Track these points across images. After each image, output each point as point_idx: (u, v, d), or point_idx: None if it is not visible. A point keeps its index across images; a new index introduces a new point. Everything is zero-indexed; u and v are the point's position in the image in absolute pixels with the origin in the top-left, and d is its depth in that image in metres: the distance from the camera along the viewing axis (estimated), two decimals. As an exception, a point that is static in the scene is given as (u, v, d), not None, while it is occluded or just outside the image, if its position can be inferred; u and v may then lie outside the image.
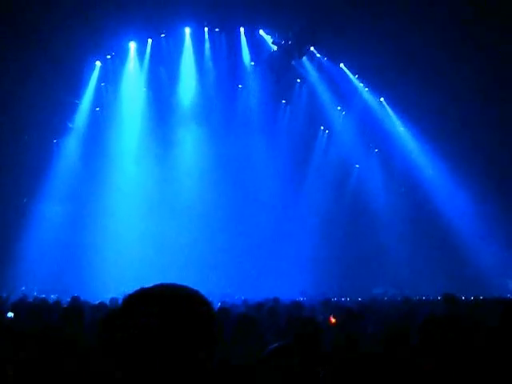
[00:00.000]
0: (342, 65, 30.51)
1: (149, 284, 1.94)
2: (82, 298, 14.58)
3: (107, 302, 13.07)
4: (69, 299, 14.40)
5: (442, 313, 9.64)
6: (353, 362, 4.43)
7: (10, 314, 9.73)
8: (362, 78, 30.59)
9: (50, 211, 27.29)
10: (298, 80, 31.46)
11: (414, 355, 3.94)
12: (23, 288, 22.66)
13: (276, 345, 4.76)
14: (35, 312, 9.15)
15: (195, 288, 1.97)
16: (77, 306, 11.40)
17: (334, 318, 9.09)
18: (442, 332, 3.38)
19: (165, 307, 1.81)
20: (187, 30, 29.50)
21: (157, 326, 1.77)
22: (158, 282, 1.97)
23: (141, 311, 1.80)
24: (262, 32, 29.60)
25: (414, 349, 3.99)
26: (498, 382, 3.48)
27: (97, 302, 12.92)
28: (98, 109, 29.81)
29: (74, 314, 8.00)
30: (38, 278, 24.57)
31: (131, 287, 1.98)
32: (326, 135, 32.55)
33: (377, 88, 30.34)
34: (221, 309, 8.89)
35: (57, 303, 12.23)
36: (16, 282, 23.99)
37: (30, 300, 15.14)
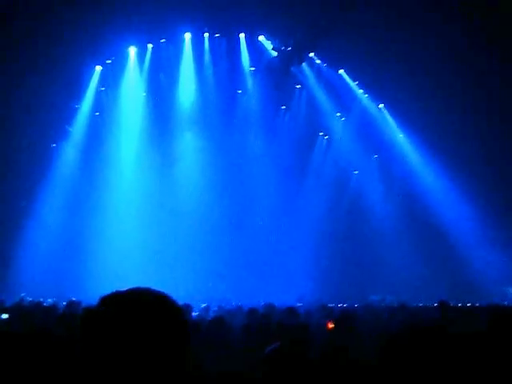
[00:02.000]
0: (341, 71, 30.55)
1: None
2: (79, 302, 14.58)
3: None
4: (65, 303, 14.37)
5: (437, 320, 9.65)
6: (338, 370, 4.44)
7: (5, 316, 9.75)
8: (361, 85, 30.63)
9: (48, 215, 27.30)
10: (298, 86, 31.47)
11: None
12: (23, 294, 22.59)
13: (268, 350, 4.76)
14: (29, 315, 9.16)
15: (192, 292, 2.01)
16: (73, 310, 11.42)
17: (332, 323, 9.08)
18: (427, 340, 3.37)
19: (135, 311, 1.83)
20: (187, 36, 29.55)
21: (126, 328, 1.78)
22: (155, 286, 2.00)
23: (112, 313, 1.83)
24: (262, 38, 29.66)
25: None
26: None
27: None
28: (97, 113, 29.81)
29: (70, 318, 8.01)
30: (36, 282, 24.52)
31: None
32: (325, 141, 32.52)
33: (376, 94, 30.36)
34: (215, 318, 8.86)
35: (52, 307, 12.22)
36: (13, 285, 23.98)
37: (26, 304, 15.15)
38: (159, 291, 1.97)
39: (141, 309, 1.85)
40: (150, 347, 1.78)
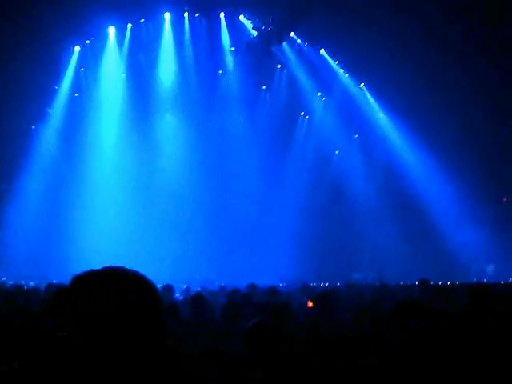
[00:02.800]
0: (322, 50, 30.47)
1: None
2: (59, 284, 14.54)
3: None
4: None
5: (416, 298, 9.74)
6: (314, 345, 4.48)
7: None
8: (342, 64, 30.58)
9: (29, 198, 27.16)
10: (279, 66, 31.37)
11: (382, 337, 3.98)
12: (4, 278, 22.52)
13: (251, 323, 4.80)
14: (10, 298, 9.14)
15: (175, 273, 2.02)
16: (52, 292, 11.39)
17: (311, 301, 9.14)
18: (409, 317, 3.41)
19: (110, 288, 1.83)
20: (167, 16, 29.31)
21: (101, 306, 1.79)
22: (136, 267, 2.00)
23: (86, 291, 1.83)
24: (242, 17, 29.47)
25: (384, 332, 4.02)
26: (460, 369, 3.53)
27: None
28: (76, 94, 29.57)
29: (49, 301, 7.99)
30: (17, 266, 24.45)
31: None
32: (306, 121, 32.50)
33: (357, 74, 30.33)
34: (195, 295, 8.89)
35: (33, 290, 12.20)
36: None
37: (7, 287, 15.10)
38: (134, 270, 1.97)
39: (114, 287, 1.85)
40: (123, 326, 1.78)
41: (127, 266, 2.01)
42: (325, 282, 22.07)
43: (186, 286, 16.54)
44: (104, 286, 1.84)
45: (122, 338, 1.77)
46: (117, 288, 1.83)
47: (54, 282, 14.81)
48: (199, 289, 16.10)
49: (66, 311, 1.83)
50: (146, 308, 1.85)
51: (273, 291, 10.80)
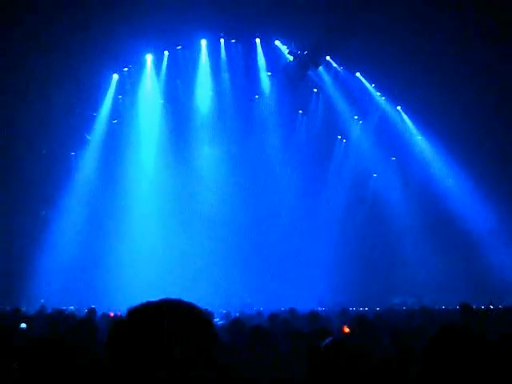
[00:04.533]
0: (358, 74, 30.46)
1: (165, 295, 1.97)
2: (99, 307, 14.68)
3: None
4: (86, 310, 14.46)
5: (458, 322, 9.57)
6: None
7: (23, 325, 9.83)
8: (378, 87, 30.53)
9: (68, 224, 27.44)
10: (315, 90, 31.42)
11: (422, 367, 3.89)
12: (42, 300, 22.75)
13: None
14: (51, 322, 9.21)
15: (214, 298, 2.03)
16: (91, 317, 11.46)
17: (348, 327, 9.02)
18: (452, 344, 3.35)
19: (167, 321, 1.83)
20: (203, 42, 29.62)
21: (159, 339, 1.79)
22: (176, 292, 2.01)
23: (143, 325, 1.83)
24: (277, 42, 29.64)
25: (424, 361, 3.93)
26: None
27: (113, 314, 13.01)
28: (115, 121, 29.98)
29: (87, 325, 8.03)
30: (57, 290, 24.68)
31: (149, 298, 2.02)
32: (343, 145, 32.46)
33: (394, 97, 30.22)
34: (235, 320, 8.85)
35: (72, 314, 12.29)
36: (35, 294, 24.17)
37: (48, 311, 15.24)
38: (189, 302, 1.97)
39: (171, 319, 1.85)
40: (182, 358, 1.78)
41: (165, 292, 2.02)
42: (364, 307, 21.84)
43: (225, 311, 16.53)
44: (161, 318, 1.84)
45: (180, 370, 1.77)
46: (174, 321, 1.84)
47: (93, 306, 14.96)
48: (237, 314, 16.07)
49: (123, 343, 1.83)
50: (202, 340, 1.85)
51: (313, 316, 10.70)
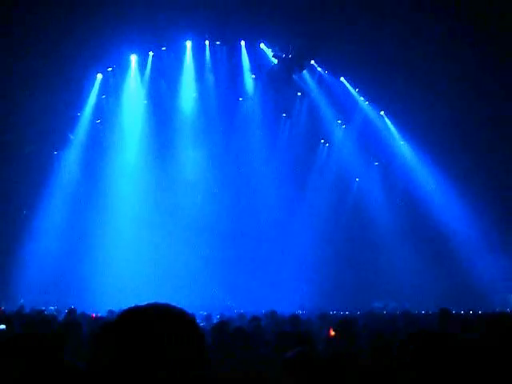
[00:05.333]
0: (342, 78, 30.58)
1: (146, 297, 1.98)
2: (80, 310, 14.59)
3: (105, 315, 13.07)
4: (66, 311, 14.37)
5: (436, 327, 9.63)
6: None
7: (2, 327, 9.72)
8: (362, 92, 30.66)
9: (49, 223, 27.30)
10: (299, 93, 31.50)
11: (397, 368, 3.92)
12: (22, 300, 22.61)
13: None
14: (30, 324, 9.13)
15: (195, 300, 2.03)
16: (73, 318, 11.39)
17: (334, 331, 9.05)
18: (425, 347, 3.38)
19: (156, 326, 1.83)
20: (188, 44, 29.63)
21: (147, 344, 1.79)
22: (156, 294, 2.00)
23: (132, 329, 1.83)
24: (262, 45, 29.70)
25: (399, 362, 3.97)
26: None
27: (94, 315, 12.95)
28: (98, 121, 29.86)
29: (70, 327, 7.99)
30: (37, 290, 24.52)
31: (130, 299, 2.02)
32: (326, 148, 32.57)
33: (377, 101, 30.37)
34: (219, 323, 8.84)
35: (53, 315, 12.20)
36: (15, 294, 24.02)
37: (27, 311, 15.13)
38: (178, 307, 1.98)
39: (160, 324, 1.85)
40: (170, 363, 1.79)
41: (146, 292, 2.02)
42: (344, 311, 21.90)
43: (206, 313, 16.48)
44: (150, 323, 1.84)
45: (170, 374, 1.77)
46: (163, 325, 1.84)
47: (72, 307, 14.88)
48: (218, 316, 16.05)
49: (111, 347, 1.83)
50: (191, 345, 1.86)
51: (294, 319, 10.71)
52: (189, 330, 1.89)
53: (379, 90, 28.39)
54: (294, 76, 29.96)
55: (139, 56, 29.65)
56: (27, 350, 3.32)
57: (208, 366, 1.88)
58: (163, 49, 29.10)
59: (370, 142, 31.14)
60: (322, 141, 32.52)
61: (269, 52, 29.32)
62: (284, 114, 31.92)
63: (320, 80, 30.89)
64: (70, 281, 25.97)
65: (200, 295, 25.32)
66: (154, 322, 1.84)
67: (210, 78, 30.36)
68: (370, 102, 30.89)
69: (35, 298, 23.21)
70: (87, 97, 29.29)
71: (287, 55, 28.36)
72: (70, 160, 29.23)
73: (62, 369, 3.28)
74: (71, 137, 29.21)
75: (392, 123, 31.01)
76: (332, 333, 9.00)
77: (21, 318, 11.13)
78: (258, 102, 30.92)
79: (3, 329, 9.43)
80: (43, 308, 18.54)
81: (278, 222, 29.83)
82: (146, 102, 30.54)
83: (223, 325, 8.31)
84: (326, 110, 31.22)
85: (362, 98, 31.00)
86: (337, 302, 25.21)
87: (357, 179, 32.20)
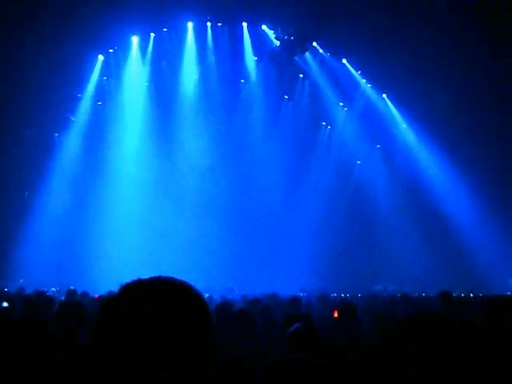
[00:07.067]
0: (344, 60, 30.45)
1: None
2: (82, 290, 14.62)
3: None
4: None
5: (437, 310, 9.65)
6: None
7: (5, 304, 9.78)
8: (364, 74, 30.54)
9: (51, 204, 27.32)
10: (301, 75, 31.39)
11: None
12: (21, 280, 22.66)
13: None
14: (31, 304, 9.14)
15: (196, 281, 1.98)
16: (74, 299, 11.41)
17: (337, 312, 9.09)
18: (427, 329, 3.37)
19: (161, 298, 1.81)
20: (190, 25, 29.49)
21: (152, 315, 1.76)
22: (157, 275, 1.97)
23: (136, 300, 1.80)
24: (264, 27, 29.58)
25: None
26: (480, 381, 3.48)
27: (97, 296, 12.99)
28: (99, 103, 29.77)
29: (71, 308, 7.98)
30: (39, 271, 24.56)
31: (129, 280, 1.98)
32: (328, 131, 32.49)
33: (379, 84, 30.25)
34: (220, 304, 8.86)
35: (54, 296, 12.22)
36: (14, 274, 24.07)
37: (29, 292, 15.14)
38: (183, 280, 1.95)
39: (164, 296, 1.82)
40: (174, 336, 1.76)
41: (147, 274, 1.99)
42: (345, 293, 21.94)
43: (208, 294, 16.50)
44: (154, 295, 1.81)
45: (173, 348, 1.75)
46: (167, 298, 1.81)
47: (72, 288, 14.91)
48: (219, 298, 16.07)
49: (114, 321, 1.80)
50: (196, 318, 1.83)
51: (295, 301, 10.74)
52: (195, 302, 1.87)
53: (381, 73, 28.27)
54: (295, 58, 29.82)
55: (140, 37, 29.52)
56: (28, 344, 3.30)
57: (214, 341, 1.85)
58: (164, 30, 28.96)
59: (372, 124, 31.04)
60: (324, 123, 32.42)
61: (271, 34, 29.20)
62: (286, 96, 31.79)
63: (322, 62, 30.78)
64: (72, 261, 25.99)
65: (201, 277, 25.35)
66: (156, 295, 1.82)
67: (211, 59, 30.24)
68: (372, 85, 30.79)
69: (35, 279, 23.25)
70: (88, 78, 29.19)
71: (289, 37, 28.20)
72: (71, 142, 29.19)
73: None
74: (72, 119, 29.15)
75: (394, 106, 30.92)
76: (336, 314, 9.04)
77: (22, 299, 11.14)
78: (259, 84, 30.82)
79: (6, 307, 9.49)
80: (45, 289, 18.60)
81: (279, 204, 29.81)
82: (147, 83, 30.43)
83: (225, 306, 8.33)
84: (327, 93, 31.12)
85: (364, 81, 30.89)
86: (338, 284, 25.24)
87: (358, 162, 32.15)
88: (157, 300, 1.79)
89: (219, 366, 1.87)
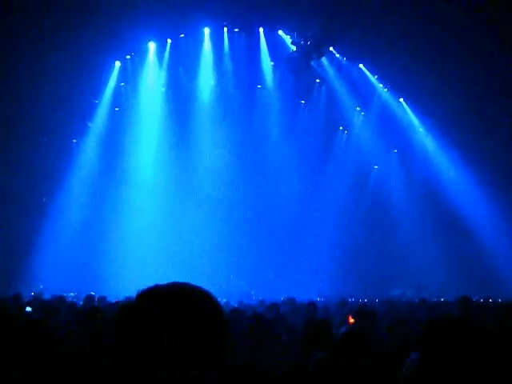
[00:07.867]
0: (361, 65, 30.42)
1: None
2: (100, 295, 14.68)
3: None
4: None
5: (456, 315, 9.57)
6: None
7: (29, 309, 9.97)
8: (381, 79, 30.47)
9: (69, 210, 27.45)
10: (318, 80, 31.37)
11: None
12: (41, 286, 22.80)
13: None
14: (50, 309, 9.22)
15: (213, 287, 1.99)
16: (92, 305, 11.47)
17: (353, 318, 9.07)
18: (446, 335, 3.35)
19: (177, 306, 1.81)
20: (206, 31, 29.56)
21: (168, 323, 1.77)
22: (175, 280, 1.98)
23: (153, 308, 1.81)
24: (281, 32, 29.62)
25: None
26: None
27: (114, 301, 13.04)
28: (117, 108, 29.91)
29: (89, 313, 8.04)
30: (57, 276, 24.68)
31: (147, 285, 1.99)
32: (345, 136, 32.44)
33: (396, 88, 30.17)
34: (234, 310, 8.87)
35: (73, 302, 12.29)
36: (33, 279, 24.21)
37: (47, 297, 15.24)
38: (199, 286, 1.95)
39: (181, 303, 1.83)
40: (192, 343, 1.77)
41: (166, 279, 2.00)
42: (363, 298, 21.87)
43: (225, 300, 16.53)
44: (171, 302, 1.82)
45: (190, 355, 1.75)
46: (183, 305, 1.82)
47: (92, 293, 14.97)
48: (236, 304, 16.07)
49: (132, 327, 1.81)
50: (213, 324, 1.84)
51: (312, 307, 10.72)
52: (210, 309, 1.87)
53: (398, 77, 28.18)
54: (312, 63, 29.80)
55: (157, 43, 29.66)
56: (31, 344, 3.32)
57: (228, 344, 1.86)
58: (181, 36, 29.06)
59: (389, 129, 30.96)
60: (341, 128, 32.38)
61: (287, 39, 29.22)
62: (303, 101, 31.79)
63: (339, 67, 30.76)
64: (91, 267, 26.10)
65: (218, 282, 25.37)
66: (173, 302, 1.83)
67: (228, 65, 30.30)
68: (388, 89, 30.71)
69: (55, 284, 23.35)
70: (106, 85, 29.37)
71: (306, 42, 28.19)
72: (89, 147, 29.35)
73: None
74: (90, 125, 29.32)
75: (411, 110, 30.82)
76: (351, 320, 9.02)
77: (41, 303, 11.23)
78: (276, 90, 30.85)
79: (30, 311, 9.67)
80: (64, 294, 18.69)
81: (297, 208, 29.79)
82: (164, 89, 30.55)
83: (238, 312, 8.33)
84: (344, 97, 31.08)
85: (380, 85, 30.81)
86: (355, 289, 25.17)
87: (375, 166, 32.06)
88: (173, 307, 1.80)
89: (228, 370, 1.88)
